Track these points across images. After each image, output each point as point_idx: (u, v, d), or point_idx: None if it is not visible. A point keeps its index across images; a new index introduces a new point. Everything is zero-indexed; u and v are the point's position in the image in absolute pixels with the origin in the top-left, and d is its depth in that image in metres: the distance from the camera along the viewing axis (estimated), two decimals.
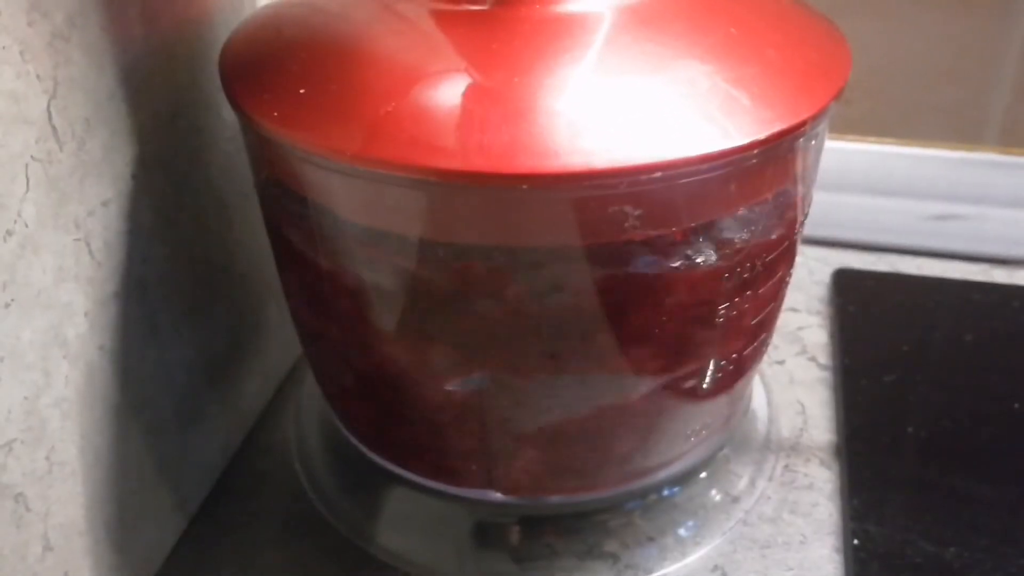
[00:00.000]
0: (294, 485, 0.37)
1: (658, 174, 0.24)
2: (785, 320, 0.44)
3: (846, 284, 0.45)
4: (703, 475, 0.36)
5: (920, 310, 0.43)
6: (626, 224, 0.25)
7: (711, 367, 0.30)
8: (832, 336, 0.43)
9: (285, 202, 0.29)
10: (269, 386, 0.41)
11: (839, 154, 0.48)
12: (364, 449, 0.36)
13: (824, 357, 0.42)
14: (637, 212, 0.25)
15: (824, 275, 0.47)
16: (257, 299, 0.39)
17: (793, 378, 0.41)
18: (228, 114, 0.35)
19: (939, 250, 0.48)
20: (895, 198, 0.48)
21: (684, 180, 0.24)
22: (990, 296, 0.44)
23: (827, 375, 0.41)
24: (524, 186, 0.23)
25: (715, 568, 0.33)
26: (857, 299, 0.44)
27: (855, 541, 0.32)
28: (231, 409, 0.38)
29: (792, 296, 0.44)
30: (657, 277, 0.26)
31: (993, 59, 0.47)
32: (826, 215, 0.48)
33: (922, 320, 0.42)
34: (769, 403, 0.39)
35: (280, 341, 0.41)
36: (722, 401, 0.33)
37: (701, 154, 0.24)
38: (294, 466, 0.38)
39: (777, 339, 0.43)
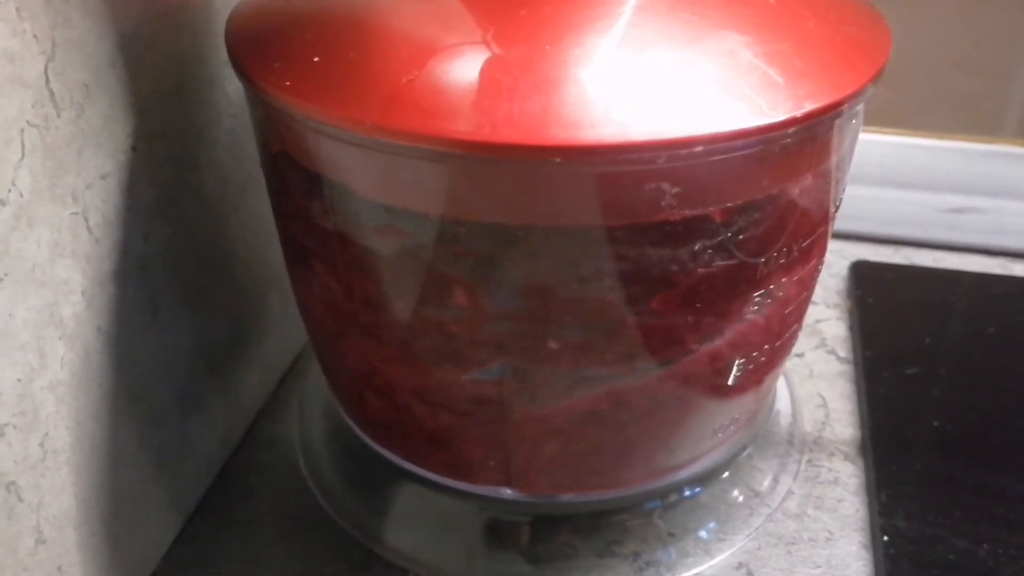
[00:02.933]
0: (297, 480, 0.35)
1: (699, 148, 0.22)
2: None
3: (865, 276, 0.44)
4: (726, 474, 0.34)
5: (940, 303, 0.42)
6: (663, 203, 0.23)
7: (743, 359, 0.29)
8: (852, 329, 0.42)
9: (295, 180, 0.27)
10: (271, 378, 0.40)
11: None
12: (372, 443, 0.34)
13: (844, 350, 0.41)
14: (675, 190, 0.23)
15: (841, 268, 0.46)
16: (259, 286, 0.37)
17: (813, 371, 0.40)
18: (233, 90, 0.33)
19: (957, 243, 0.47)
20: (912, 190, 0.47)
21: (725, 156, 0.23)
22: (1011, 289, 0.43)
23: (848, 368, 0.40)
24: (556, 159, 0.22)
25: (740, 566, 0.31)
26: (876, 292, 0.43)
27: (884, 537, 0.31)
28: (232, 400, 0.36)
29: None
30: (693, 261, 0.25)
31: (1013, 50, 0.46)
32: (842, 207, 0.47)
33: (943, 313, 0.41)
34: (792, 398, 0.38)
35: (282, 331, 0.40)
36: (750, 396, 0.31)
37: (746, 128, 0.22)
38: (297, 461, 0.36)
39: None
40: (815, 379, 0.39)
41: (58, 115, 0.24)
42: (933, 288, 0.43)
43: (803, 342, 0.41)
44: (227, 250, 0.34)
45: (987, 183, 0.46)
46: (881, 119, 0.47)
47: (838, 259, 0.46)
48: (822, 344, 0.41)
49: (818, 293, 0.44)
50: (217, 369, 0.34)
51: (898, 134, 0.47)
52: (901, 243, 0.47)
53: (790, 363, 0.40)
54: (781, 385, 0.38)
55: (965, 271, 0.45)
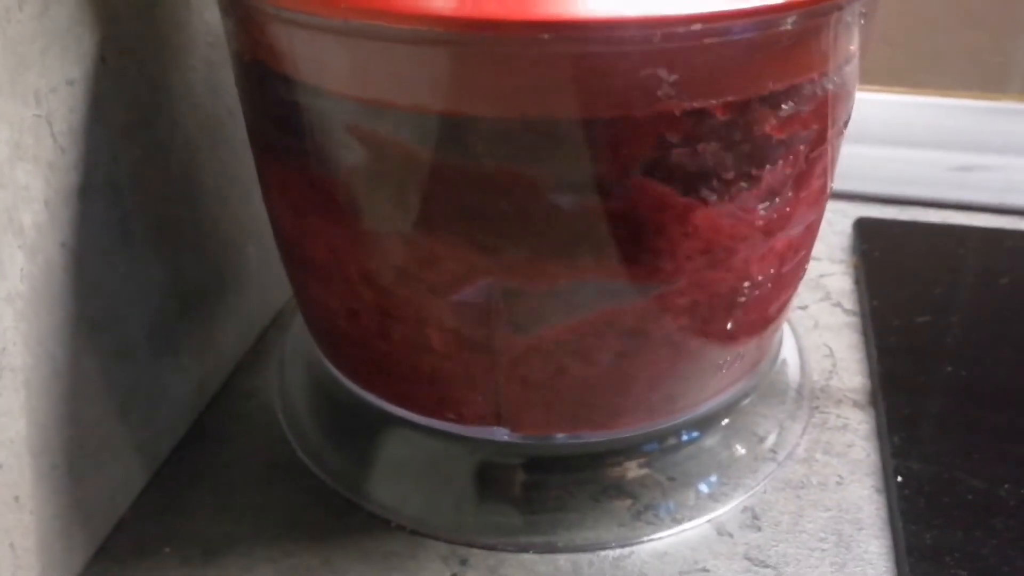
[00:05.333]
0: (277, 429, 0.33)
1: (696, 27, 0.21)
2: None
3: (870, 232, 0.43)
4: (728, 419, 0.32)
5: (949, 256, 0.41)
6: (659, 92, 0.22)
7: (748, 283, 0.27)
8: (858, 282, 0.40)
9: (269, 90, 0.26)
10: (251, 330, 0.38)
11: (858, 104, 0.46)
12: (356, 388, 0.32)
13: (850, 303, 0.39)
14: (672, 78, 0.22)
15: (844, 226, 0.44)
16: (237, 233, 0.35)
17: (818, 323, 0.38)
18: (211, 17, 0.32)
19: (964, 202, 0.45)
20: (917, 149, 0.46)
21: (723, 40, 0.22)
22: (1022, 243, 0.41)
23: (854, 320, 0.38)
24: (545, 35, 0.21)
25: (745, 510, 0.29)
26: (882, 246, 0.41)
27: (899, 479, 0.29)
28: (208, 347, 0.34)
29: None
30: (693, 160, 0.23)
31: (1018, 3, 0.45)
32: (846, 167, 0.45)
33: (952, 265, 0.40)
34: (799, 348, 0.36)
35: (262, 283, 0.38)
36: (756, 331, 0.30)
37: (745, 7, 0.21)
38: (277, 412, 0.34)
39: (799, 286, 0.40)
40: (820, 330, 0.38)
41: (20, 8, 0.23)
42: (941, 242, 0.42)
43: (807, 295, 0.40)
44: (203, 185, 0.33)
45: (994, 140, 0.45)
46: (885, 77, 0.46)
47: (840, 218, 0.45)
48: (826, 297, 0.40)
49: (821, 249, 0.42)
50: (191, 312, 0.33)
51: (903, 92, 0.46)
52: (907, 203, 0.46)
53: (794, 315, 0.38)
54: (787, 335, 0.36)
55: (974, 226, 0.43)
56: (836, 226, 0.44)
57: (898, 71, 0.46)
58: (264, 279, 0.38)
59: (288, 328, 0.38)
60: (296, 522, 0.30)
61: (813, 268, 0.41)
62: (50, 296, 0.25)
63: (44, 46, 0.24)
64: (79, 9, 0.25)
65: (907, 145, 0.46)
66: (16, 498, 0.25)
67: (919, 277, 0.39)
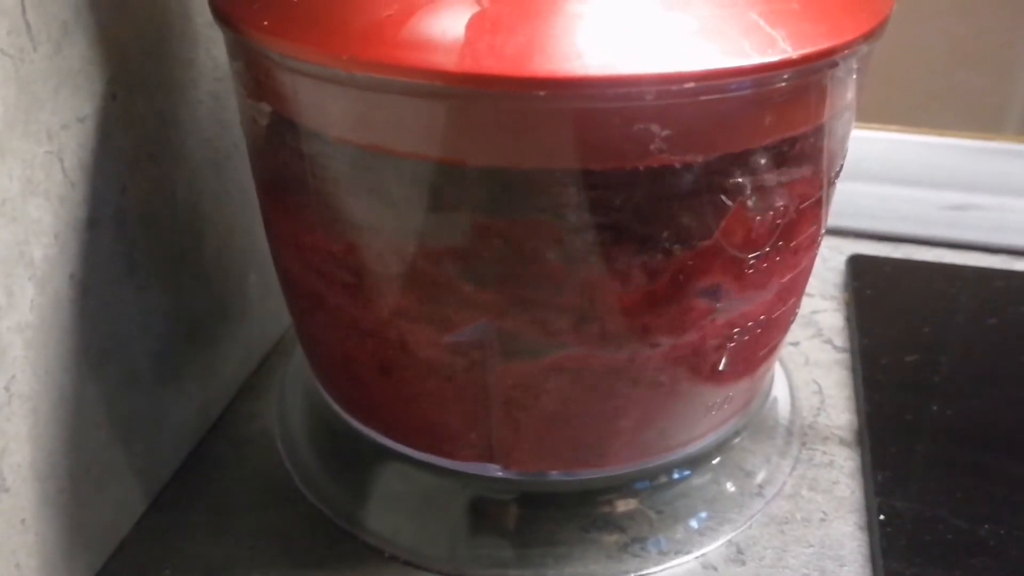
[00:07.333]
0: (277, 455, 0.34)
1: (690, 85, 0.22)
2: None
3: (862, 269, 0.43)
4: (719, 458, 0.33)
5: (940, 295, 0.41)
6: (652, 147, 0.23)
7: (738, 330, 0.28)
8: (848, 319, 0.41)
9: (274, 133, 0.26)
10: (252, 356, 0.39)
11: (854, 142, 0.47)
12: (354, 421, 0.33)
13: (840, 340, 0.40)
14: (664, 133, 0.23)
15: (838, 262, 0.45)
16: (240, 262, 0.36)
17: (808, 359, 0.39)
18: (218, 53, 0.33)
19: (957, 241, 0.46)
20: (912, 187, 0.47)
21: (716, 97, 0.22)
22: (1012, 283, 0.42)
23: (844, 357, 0.39)
24: (540, 92, 0.21)
25: (729, 544, 0.30)
26: (874, 283, 0.42)
27: (881, 516, 0.30)
28: (210, 373, 0.35)
29: None
30: (682, 213, 0.24)
31: (1014, 45, 0.46)
32: (840, 204, 0.46)
33: (943, 304, 0.40)
34: (791, 386, 0.37)
35: (264, 311, 0.39)
36: (745, 373, 0.30)
37: (740, 66, 0.22)
38: (276, 439, 0.35)
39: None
40: (810, 367, 0.38)
41: (34, 48, 0.24)
42: (932, 281, 0.42)
43: (798, 332, 0.40)
44: (208, 216, 0.33)
45: (988, 180, 0.46)
46: (882, 116, 0.47)
47: (834, 254, 0.45)
48: (818, 334, 0.40)
49: (814, 285, 0.43)
50: (195, 339, 0.33)
51: (899, 131, 0.47)
52: (900, 240, 0.47)
53: (786, 352, 0.39)
54: (779, 372, 0.37)
55: (966, 265, 0.44)
56: (829, 262, 0.45)
57: (894, 110, 0.47)
58: (266, 307, 0.39)
59: (289, 355, 0.39)
60: (293, 548, 0.30)
61: (806, 304, 0.42)
62: (58, 326, 0.26)
63: (57, 84, 0.25)
64: (91, 48, 0.26)
65: (902, 183, 0.47)
66: (22, 520, 0.25)
67: (909, 315, 0.40)
